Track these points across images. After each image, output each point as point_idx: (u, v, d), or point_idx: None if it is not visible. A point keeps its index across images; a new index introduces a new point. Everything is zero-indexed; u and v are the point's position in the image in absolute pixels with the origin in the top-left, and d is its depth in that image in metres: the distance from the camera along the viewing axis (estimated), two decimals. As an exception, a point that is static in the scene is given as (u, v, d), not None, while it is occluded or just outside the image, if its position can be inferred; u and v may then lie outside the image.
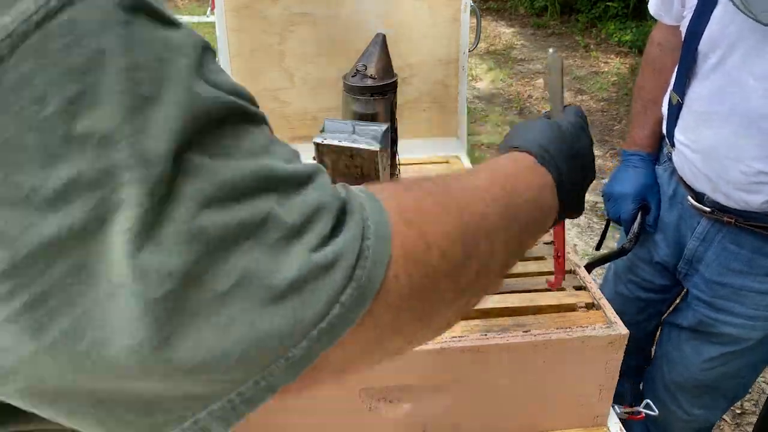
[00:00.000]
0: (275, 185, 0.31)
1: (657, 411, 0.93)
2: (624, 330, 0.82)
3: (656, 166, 1.33)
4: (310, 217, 0.32)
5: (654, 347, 1.52)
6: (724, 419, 1.94)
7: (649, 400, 0.94)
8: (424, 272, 0.37)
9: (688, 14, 1.14)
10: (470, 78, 4.46)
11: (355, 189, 0.37)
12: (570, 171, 0.57)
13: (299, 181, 0.33)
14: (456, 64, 1.49)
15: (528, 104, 4.26)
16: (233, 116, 0.31)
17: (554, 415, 0.86)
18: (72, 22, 0.26)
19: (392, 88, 1.19)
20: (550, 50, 0.68)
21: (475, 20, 1.51)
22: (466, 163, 1.51)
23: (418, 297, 0.37)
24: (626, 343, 0.83)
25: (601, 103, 4.22)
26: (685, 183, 1.23)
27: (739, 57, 1.06)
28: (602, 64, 4.85)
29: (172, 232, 0.27)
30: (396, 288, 0.35)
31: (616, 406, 0.90)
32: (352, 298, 0.32)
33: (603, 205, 1.49)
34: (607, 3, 5.43)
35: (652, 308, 1.45)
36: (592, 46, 5.21)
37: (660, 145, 1.32)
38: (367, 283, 0.33)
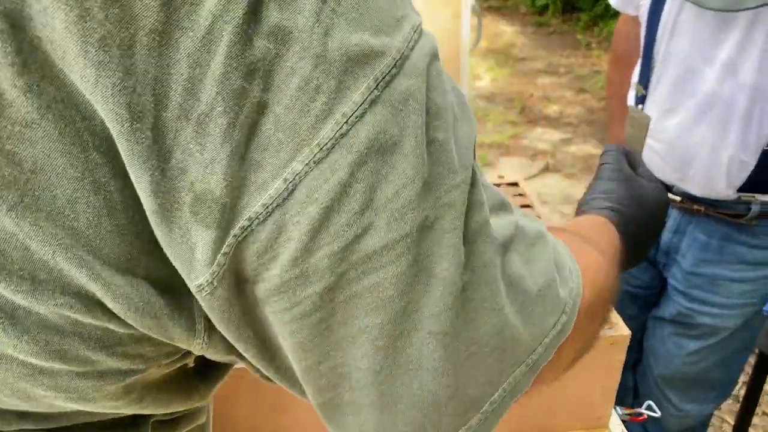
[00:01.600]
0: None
1: (659, 412, 0.92)
2: (626, 330, 0.81)
3: None
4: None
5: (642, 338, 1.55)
6: (726, 421, 1.94)
7: (650, 402, 0.93)
8: (588, 321, 0.42)
9: (645, 3, 1.16)
10: (471, 77, 4.46)
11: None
12: (636, 237, 0.61)
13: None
14: (457, 63, 1.48)
15: (529, 103, 4.25)
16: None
17: (555, 416, 0.86)
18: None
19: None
20: (639, 107, 0.70)
21: (475, 19, 1.51)
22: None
23: (582, 343, 0.43)
24: (628, 343, 0.82)
25: (603, 102, 4.21)
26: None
27: (693, 44, 1.08)
28: (604, 63, 4.84)
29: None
30: (570, 338, 0.40)
31: (617, 408, 0.90)
32: (570, 308, 0.38)
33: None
34: (609, 1, 5.42)
35: (642, 301, 1.46)
36: (593, 45, 5.20)
37: None
38: (577, 296, 0.39)
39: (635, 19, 1.27)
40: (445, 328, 0.32)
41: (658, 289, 1.44)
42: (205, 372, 0.43)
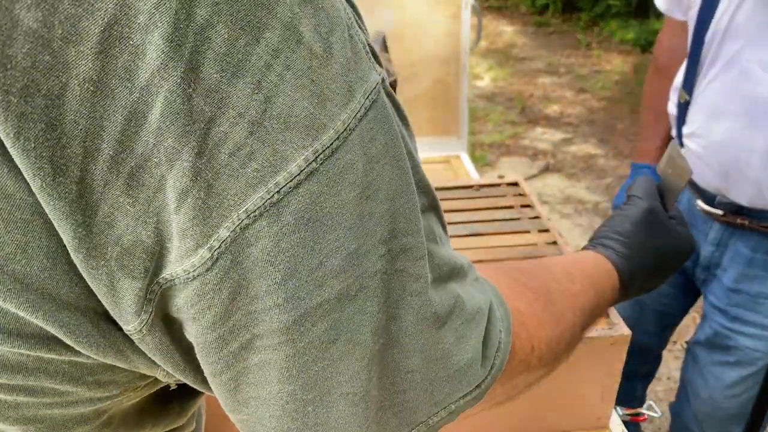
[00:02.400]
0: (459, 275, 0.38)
1: (660, 412, 0.92)
2: (626, 330, 0.81)
3: None
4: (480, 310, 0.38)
5: (663, 350, 1.49)
6: None
7: (651, 402, 0.93)
8: (524, 369, 0.44)
9: (695, 6, 1.12)
10: (471, 77, 4.45)
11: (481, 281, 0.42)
12: (645, 277, 0.61)
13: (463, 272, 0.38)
14: (457, 63, 1.48)
15: (530, 103, 4.25)
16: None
17: (556, 417, 0.86)
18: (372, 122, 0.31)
19: (392, 86, 1.19)
20: (682, 150, 0.67)
21: (476, 18, 1.50)
22: (467, 162, 1.51)
23: (512, 385, 0.45)
24: (629, 343, 0.82)
25: (603, 102, 4.20)
26: (694, 187, 1.19)
27: (747, 47, 1.03)
28: (604, 63, 4.84)
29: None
30: (499, 378, 0.41)
31: (618, 408, 0.89)
32: (486, 383, 0.39)
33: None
34: (609, 1, 5.42)
35: (668, 318, 1.40)
36: (593, 45, 5.19)
37: None
38: (497, 372, 0.39)
39: (681, 28, 1.21)
40: (357, 390, 0.32)
41: (687, 307, 1.37)
42: (184, 389, 0.41)
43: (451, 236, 0.98)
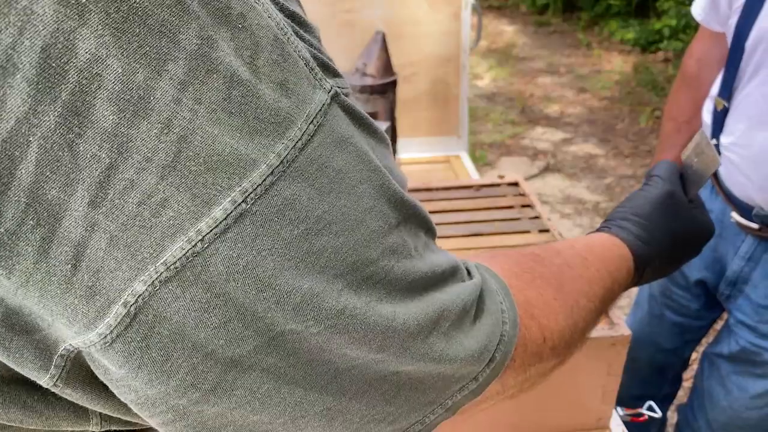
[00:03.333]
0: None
1: (660, 412, 0.92)
2: (626, 331, 0.81)
3: None
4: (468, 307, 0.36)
5: (684, 371, 1.44)
6: None
7: (651, 402, 0.92)
8: (536, 360, 0.43)
9: (734, 15, 1.09)
10: (471, 76, 4.45)
11: (488, 275, 0.40)
12: (662, 261, 0.59)
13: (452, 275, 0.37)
14: (457, 63, 1.48)
15: (530, 103, 4.24)
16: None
17: (556, 417, 0.86)
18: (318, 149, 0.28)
19: (392, 86, 1.18)
20: (713, 140, 0.65)
21: (476, 18, 1.50)
22: (467, 162, 1.50)
23: (525, 374, 0.43)
24: (629, 343, 0.82)
25: (604, 102, 4.20)
26: (729, 198, 1.15)
27: None
28: (605, 63, 4.84)
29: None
30: (511, 369, 0.40)
31: (618, 408, 0.89)
32: (485, 376, 0.37)
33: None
34: (610, 1, 5.41)
35: (688, 334, 1.35)
36: (594, 45, 5.19)
37: None
38: (500, 365, 0.38)
39: (715, 39, 1.18)
40: (331, 406, 0.30)
41: (709, 323, 1.33)
42: None
43: (451, 236, 0.98)
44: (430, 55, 1.46)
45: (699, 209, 0.65)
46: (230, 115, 0.25)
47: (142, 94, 0.23)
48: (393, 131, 1.20)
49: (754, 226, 1.10)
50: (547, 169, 3.41)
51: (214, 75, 0.25)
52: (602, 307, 0.51)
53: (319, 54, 0.29)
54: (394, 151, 1.22)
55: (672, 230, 0.60)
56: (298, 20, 0.30)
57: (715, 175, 1.18)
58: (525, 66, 4.90)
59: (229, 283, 0.25)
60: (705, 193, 1.22)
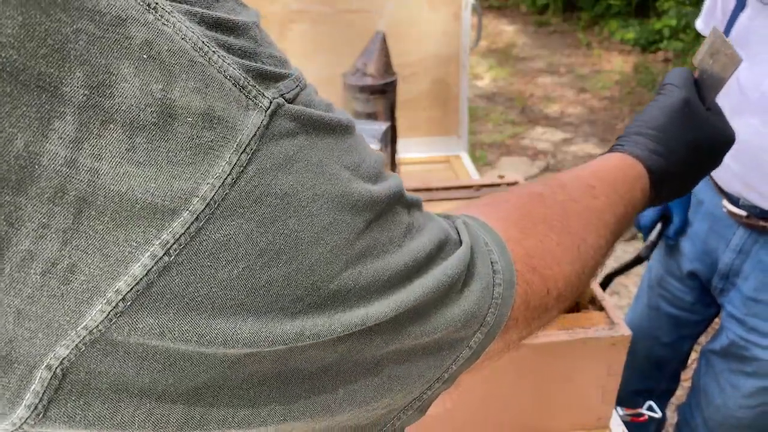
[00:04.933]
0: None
1: (660, 413, 0.92)
2: (627, 331, 0.81)
3: None
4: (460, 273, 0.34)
5: (683, 369, 1.44)
6: None
7: (652, 402, 0.92)
8: (541, 312, 0.41)
9: (724, 20, 1.12)
10: (471, 76, 4.45)
11: (482, 232, 0.39)
12: (681, 176, 0.56)
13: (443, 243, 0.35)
14: (457, 63, 1.48)
15: (530, 103, 4.24)
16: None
17: (556, 417, 0.86)
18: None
19: (392, 86, 1.18)
20: (728, 39, 0.57)
21: (476, 18, 1.50)
22: (467, 162, 1.50)
23: (529, 328, 0.41)
24: (629, 343, 0.82)
25: (604, 102, 4.20)
26: (719, 187, 1.16)
27: (767, 50, 1.03)
28: (605, 63, 4.84)
29: None
30: (514, 328, 0.39)
31: (618, 408, 0.89)
32: (480, 342, 0.36)
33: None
34: (610, 1, 5.41)
35: (685, 329, 1.34)
36: (594, 45, 5.19)
37: None
38: (495, 328, 0.36)
39: None
40: (313, 408, 0.30)
41: (705, 318, 1.33)
42: None
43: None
44: (430, 55, 1.46)
45: (718, 116, 0.60)
46: (138, 166, 0.23)
47: (27, 161, 0.21)
48: (393, 131, 1.20)
49: (743, 213, 1.11)
50: (547, 169, 3.41)
51: (111, 125, 0.22)
52: (614, 237, 0.48)
53: (253, 64, 0.26)
54: (394, 151, 1.22)
55: (689, 141, 0.56)
56: (225, 26, 0.26)
57: None
58: (525, 66, 4.90)
59: (165, 335, 0.24)
60: (698, 186, 1.21)
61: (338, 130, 0.30)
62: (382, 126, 1.08)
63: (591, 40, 5.29)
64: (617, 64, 4.79)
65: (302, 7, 1.39)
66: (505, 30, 5.75)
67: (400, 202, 0.32)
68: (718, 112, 0.62)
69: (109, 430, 0.25)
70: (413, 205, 0.34)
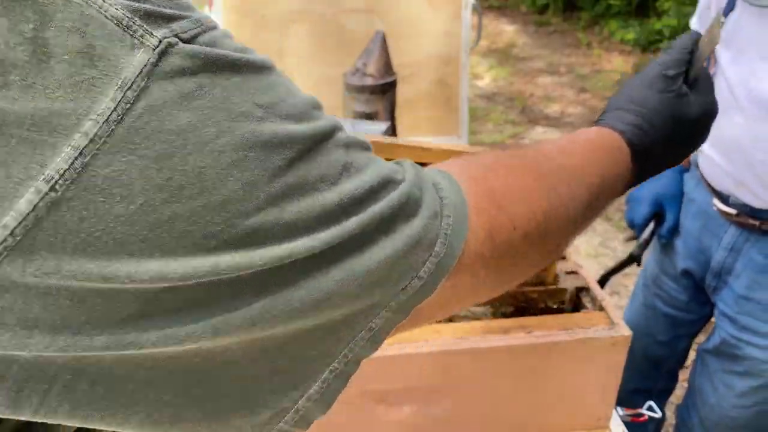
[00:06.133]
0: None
1: (660, 413, 0.92)
2: (626, 331, 0.81)
3: (684, 174, 1.27)
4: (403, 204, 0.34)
5: (681, 368, 1.44)
6: None
7: (652, 402, 0.92)
8: (507, 249, 0.41)
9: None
10: (471, 76, 4.45)
11: (436, 172, 0.39)
12: (665, 150, 0.56)
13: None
14: (457, 63, 1.48)
15: (530, 103, 4.24)
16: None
17: (556, 417, 0.86)
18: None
19: (392, 86, 1.18)
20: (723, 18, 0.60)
21: (476, 18, 1.50)
22: (468, 161, 1.51)
23: (498, 268, 0.41)
24: (629, 343, 0.82)
25: (604, 102, 4.19)
26: (710, 186, 1.17)
27: (753, 48, 1.04)
28: (605, 63, 4.84)
29: None
30: (480, 262, 0.39)
31: (618, 408, 0.89)
32: (431, 273, 0.35)
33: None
34: (610, 1, 5.41)
35: (681, 328, 1.34)
36: (594, 45, 5.19)
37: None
38: (449, 259, 0.36)
39: None
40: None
41: (701, 317, 1.32)
42: None
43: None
44: (430, 55, 1.46)
45: (702, 88, 0.60)
46: (14, 102, 0.23)
47: None
48: (393, 131, 1.20)
49: (733, 212, 1.12)
50: (547, 169, 3.41)
51: None
52: (592, 198, 0.48)
53: (140, 4, 0.26)
54: (394, 151, 1.22)
55: (669, 116, 0.56)
56: None
57: (698, 165, 1.20)
58: (525, 66, 4.90)
59: (65, 273, 0.24)
60: (691, 185, 1.24)
61: (249, 68, 0.29)
62: (382, 126, 1.08)
63: (591, 40, 5.29)
64: (617, 64, 4.79)
65: (303, 7, 1.39)
66: (505, 30, 5.76)
67: (333, 142, 0.32)
68: (706, 77, 0.61)
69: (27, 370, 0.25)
70: (353, 145, 0.34)
